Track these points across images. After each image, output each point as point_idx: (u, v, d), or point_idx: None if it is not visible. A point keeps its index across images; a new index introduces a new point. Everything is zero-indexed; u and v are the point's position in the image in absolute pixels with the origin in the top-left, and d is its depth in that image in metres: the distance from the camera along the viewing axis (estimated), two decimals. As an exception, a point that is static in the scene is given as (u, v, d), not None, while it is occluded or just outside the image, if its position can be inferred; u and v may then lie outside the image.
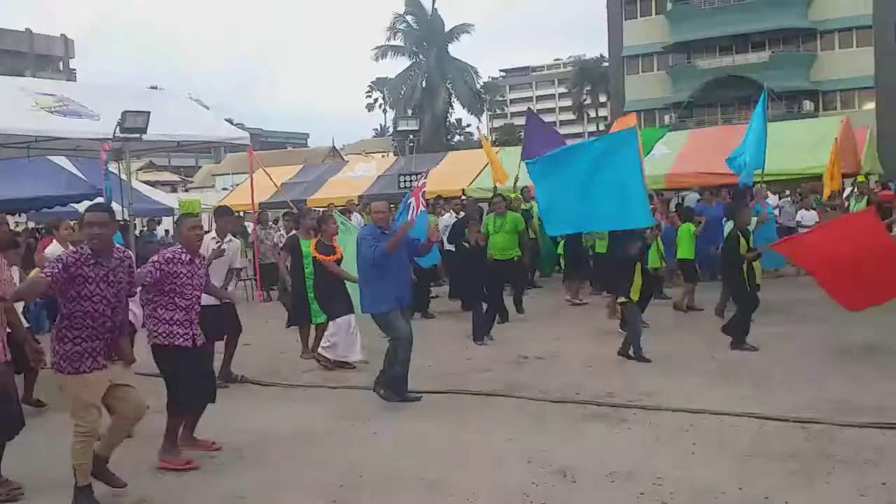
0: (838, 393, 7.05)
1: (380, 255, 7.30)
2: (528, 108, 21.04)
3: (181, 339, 5.97)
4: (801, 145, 13.68)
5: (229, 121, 23.87)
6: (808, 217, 12.70)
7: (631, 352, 8.86)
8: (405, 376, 7.61)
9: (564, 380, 8.12)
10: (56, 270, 4.96)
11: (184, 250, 6.11)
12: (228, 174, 54.22)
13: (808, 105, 47.89)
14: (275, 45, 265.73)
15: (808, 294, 12.39)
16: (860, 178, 14.21)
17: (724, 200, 14.31)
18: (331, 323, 9.23)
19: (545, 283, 16.28)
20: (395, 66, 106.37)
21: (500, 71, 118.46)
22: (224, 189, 39.10)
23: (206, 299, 8.44)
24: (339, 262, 9.29)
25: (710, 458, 5.58)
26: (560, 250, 14.53)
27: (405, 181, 19.04)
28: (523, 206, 15.47)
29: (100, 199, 13.83)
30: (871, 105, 47.55)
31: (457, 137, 76.29)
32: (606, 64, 62.94)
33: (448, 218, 14.74)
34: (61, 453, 5.27)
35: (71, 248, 7.18)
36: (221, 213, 9.08)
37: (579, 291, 13.55)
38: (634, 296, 9.04)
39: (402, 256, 7.69)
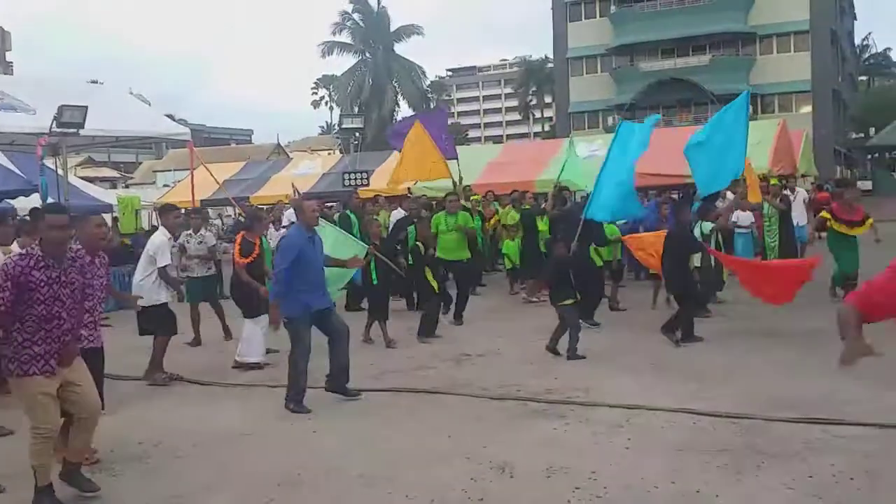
0: (770, 389, 7.23)
1: (283, 278, 7.28)
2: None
3: (87, 342, 5.88)
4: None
5: (170, 116, 23.59)
6: (743, 218, 12.96)
7: (567, 351, 8.95)
8: (346, 370, 7.58)
9: (505, 377, 8.18)
10: (6, 294, 4.85)
11: (84, 251, 5.97)
12: (170, 170, 53.45)
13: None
14: (220, 39, 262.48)
15: (742, 292, 12.69)
16: (773, 182, 14.64)
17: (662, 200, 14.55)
18: (246, 324, 9.23)
19: (487, 280, 16.32)
20: (341, 63, 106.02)
21: (447, 70, 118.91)
22: (165, 186, 38.47)
23: (165, 297, 8.51)
24: (256, 259, 9.23)
25: (644, 453, 5.69)
26: (506, 249, 14.59)
27: (350, 179, 18.94)
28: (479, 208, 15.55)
29: (35, 195, 13.57)
30: (807, 108, 48.80)
31: (403, 136, 76.11)
32: (551, 65, 63.47)
33: (398, 213, 14.73)
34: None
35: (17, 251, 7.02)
36: (167, 209, 9.50)
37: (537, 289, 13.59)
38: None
39: (318, 262, 7.62)
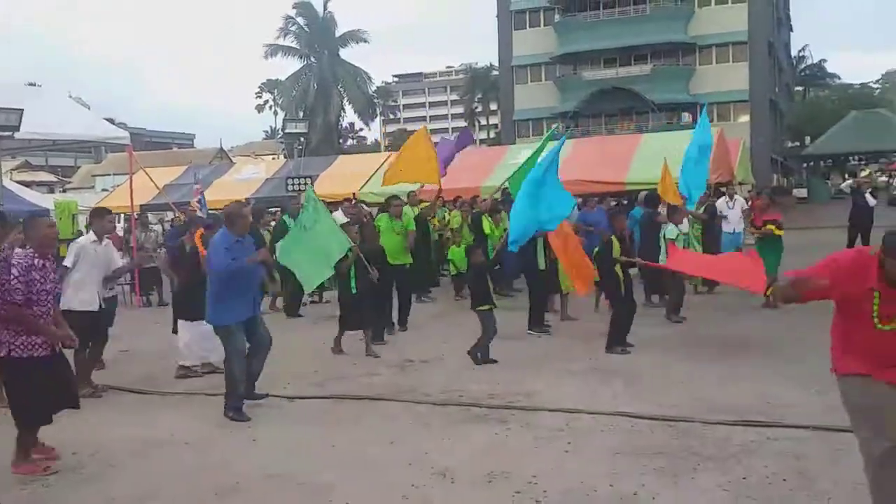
0: (707, 393, 7.35)
1: (237, 268, 7.15)
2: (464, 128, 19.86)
3: (40, 350, 5.73)
4: (678, 155, 14.18)
5: (110, 120, 23.16)
6: (682, 226, 13.16)
7: (478, 354, 9.06)
8: (255, 379, 7.58)
9: (448, 382, 8.19)
10: None
11: (35, 254, 5.81)
12: (109, 175, 52.28)
13: (686, 117, 49.79)
14: (162, 43, 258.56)
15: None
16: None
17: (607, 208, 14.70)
18: (180, 327, 9.09)
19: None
20: (286, 67, 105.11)
21: (393, 76, 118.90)
22: (104, 190, 37.60)
23: (88, 304, 8.21)
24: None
25: (584, 457, 5.76)
26: (451, 255, 14.61)
27: (294, 184, 18.78)
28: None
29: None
30: (745, 118, 49.85)
31: (349, 141, 76.05)
32: (497, 73, 63.81)
33: (338, 216, 14.61)
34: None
35: None
36: (99, 213, 8.87)
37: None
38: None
39: (254, 272, 7.57)
